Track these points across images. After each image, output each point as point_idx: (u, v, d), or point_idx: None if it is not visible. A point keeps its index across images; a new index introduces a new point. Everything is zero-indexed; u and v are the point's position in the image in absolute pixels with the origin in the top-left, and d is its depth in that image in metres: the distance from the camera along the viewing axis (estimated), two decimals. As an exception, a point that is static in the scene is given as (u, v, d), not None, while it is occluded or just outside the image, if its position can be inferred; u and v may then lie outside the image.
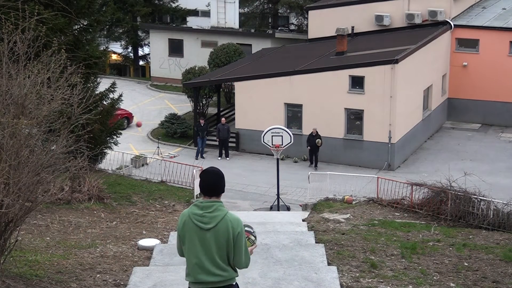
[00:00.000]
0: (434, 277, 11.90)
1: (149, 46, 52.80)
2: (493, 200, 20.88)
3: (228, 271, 7.00)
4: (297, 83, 35.26)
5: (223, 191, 7.08)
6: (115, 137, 26.29)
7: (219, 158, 35.11)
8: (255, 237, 7.22)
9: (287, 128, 29.95)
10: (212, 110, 41.13)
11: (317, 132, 33.99)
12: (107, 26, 53.49)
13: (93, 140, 20.95)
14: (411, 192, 22.44)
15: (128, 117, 40.14)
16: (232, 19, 48.49)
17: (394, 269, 12.23)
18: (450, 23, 40.11)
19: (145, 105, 44.59)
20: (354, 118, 34.91)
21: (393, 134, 33.96)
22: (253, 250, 7.18)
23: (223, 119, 37.05)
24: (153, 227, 16.72)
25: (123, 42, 55.99)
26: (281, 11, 55.16)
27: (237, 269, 7.08)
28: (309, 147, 34.04)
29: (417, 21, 40.52)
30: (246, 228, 7.10)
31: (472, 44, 40.14)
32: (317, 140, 33.74)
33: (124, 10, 53.75)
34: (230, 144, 36.04)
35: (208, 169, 7.13)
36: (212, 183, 6.99)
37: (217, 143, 35.72)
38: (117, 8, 51.92)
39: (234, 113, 38.07)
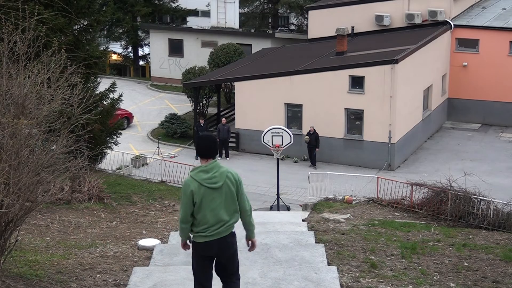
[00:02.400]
0: (434, 277, 11.90)
1: (149, 46, 52.84)
2: (493, 200, 20.88)
3: (237, 214, 8.29)
4: (297, 83, 35.27)
5: (217, 153, 8.45)
6: (115, 137, 26.28)
7: (219, 158, 35.12)
8: None
9: (287, 128, 29.97)
10: (212, 110, 41.14)
11: (314, 130, 34.01)
12: (107, 26, 53.55)
13: (93, 140, 20.94)
14: (411, 192, 22.44)
15: (128, 117, 40.15)
16: (232, 19, 48.51)
17: (394, 269, 12.23)
18: (450, 23, 40.12)
19: (145, 105, 44.60)
20: (354, 118, 34.93)
21: (393, 134, 33.97)
22: None
23: (223, 119, 37.06)
24: (153, 227, 16.71)
25: (123, 42, 56.01)
26: (281, 11, 55.19)
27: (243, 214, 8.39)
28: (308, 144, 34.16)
29: (417, 21, 40.53)
30: None
31: (472, 44, 40.15)
32: (305, 137, 33.89)
33: (124, 10, 53.78)
34: (230, 144, 36.05)
35: (203, 135, 8.31)
36: (212, 146, 8.16)
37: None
38: (117, 8, 51.95)
39: (234, 113, 38.07)
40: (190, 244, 8.48)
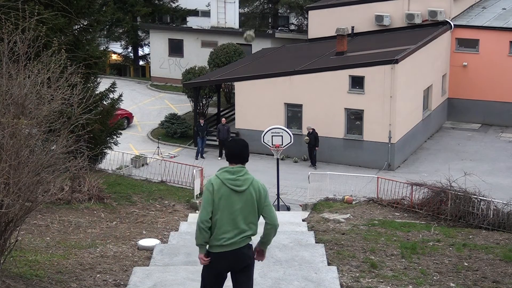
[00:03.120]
0: (434, 277, 11.90)
1: (149, 46, 52.82)
2: (493, 200, 20.88)
3: (255, 227, 7.97)
4: (297, 83, 35.26)
5: (248, 160, 7.98)
6: (115, 137, 26.28)
7: (219, 158, 35.12)
8: None
9: (287, 128, 29.97)
10: (212, 110, 41.14)
11: (313, 130, 34.01)
12: (107, 26, 53.50)
13: (93, 140, 20.94)
14: (411, 192, 22.43)
15: (128, 117, 40.15)
16: (232, 19, 48.49)
17: (394, 269, 12.23)
18: (450, 23, 40.12)
19: (145, 105, 44.60)
20: (354, 118, 34.92)
21: (393, 134, 33.97)
22: None
23: (223, 119, 37.06)
24: (153, 227, 16.72)
25: (123, 42, 55.99)
26: (281, 11, 55.16)
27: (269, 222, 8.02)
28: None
29: (417, 21, 40.53)
30: None
31: (472, 44, 40.14)
32: (305, 138, 33.89)
33: (124, 10, 53.74)
34: (230, 144, 36.00)
35: (235, 138, 8.13)
36: (240, 150, 7.91)
37: (217, 143, 35.74)
38: (117, 8, 51.91)
39: (234, 113, 38.07)
40: (208, 259, 7.98)
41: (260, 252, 8.22)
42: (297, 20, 54.50)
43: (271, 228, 8.04)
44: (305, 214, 20.24)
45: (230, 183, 7.84)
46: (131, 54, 57.03)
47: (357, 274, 11.62)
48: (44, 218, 15.95)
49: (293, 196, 29.14)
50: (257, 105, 36.00)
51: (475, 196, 20.87)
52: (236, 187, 7.84)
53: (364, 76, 34.16)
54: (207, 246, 7.97)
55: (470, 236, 16.70)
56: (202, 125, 35.96)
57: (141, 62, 57.99)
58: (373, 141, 34.30)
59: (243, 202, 7.86)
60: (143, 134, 39.41)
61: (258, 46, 45.80)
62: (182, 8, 56.06)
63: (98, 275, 11.20)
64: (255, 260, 8.20)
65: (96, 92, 23.97)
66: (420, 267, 12.49)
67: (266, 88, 35.78)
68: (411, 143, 35.95)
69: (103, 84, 25.75)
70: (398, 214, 21.23)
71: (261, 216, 8.04)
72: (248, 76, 36.84)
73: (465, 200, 20.46)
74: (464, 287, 11.53)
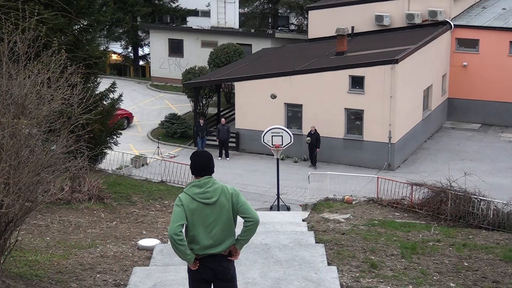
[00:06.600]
0: (434, 277, 11.90)
1: (149, 46, 52.85)
2: (493, 200, 20.87)
3: (232, 237, 7.75)
4: (297, 83, 35.26)
5: (213, 172, 7.75)
6: (115, 137, 26.30)
7: (219, 158, 35.12)
8: None
9: (287, 128, 29.97)
10: (212, 110, 41.15)
11: (315, 130, 34.01)
12: (107, 26, 53.53)
13: (93, 140, 20.96)
14: (411, 192, 22.43)
15: (128, 117, 40.16)
16: (232, 19, 48.51)
17: (394, 269, 12.23)
18: (450, 23, 40.13)
19: (145, 105, 44.60)
20: (354, 118, 34.92)
21: (393, 134, 33.97)
22: None
23: (223, 119, 37.07)
24: (153, 227, 16.71)
25: (123, 42, 56.01)
26: (281, 11, 55.18)
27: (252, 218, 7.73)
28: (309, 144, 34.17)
29: (417, 21, 40.54)
30: None
31: (472, 44, 40.15)
32: (307, 138, 33.87)
33: (124, 10, 53.77)
34: (230, 144, 36.06)
35: (198, 151, 7.82)
36: (206, 163, 7.70)
37: (217, 143, 35.75)
38: (117, 8, 51.94)
39: (234, 113, 38.08)
40: (197, 262, 7.72)
41: (234, 250, 7.83)
42: (297, 20, 54.53)
43: (253, 224, 7.70)
44: (305, 214, 20.23)
45: (200, 197, 7.60)
46: (131, 54, 57.05)
47: (357, 274, 11.62)
48: (44, 218, 15.95)
49: (293, 196, 29.14)
50: (257, 105, 36.00)
51: (475, 196, 20.86)
52: (206, 199, 7.59)
53: (364, 76, 34.17)
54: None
55: (470, 236, 16.69)
56: (202, 125, 35.97)
57: (141, 62, 58.03)
58: (373, 141, 34.30)
59: (217, 214, 7.61)
60: (143, 134, 39.42)
61: (258, 46, 45.82)
62: (182, 8, 56.10)
63: (98, 275, 11.20)
64: (232, 260, 7.91)
65: (96, 92, 23.98)
66: (420, 267, 12.48)
67: (266, 88, 35.78)
68: (411, 143, 35.95)
69: (103, 84, 25.76)
70: (398, 214, 21.22)
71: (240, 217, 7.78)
72: (248, 76, 36.84)
73: (465, 200, 20.46)
74: (464, 287, 11.52)
